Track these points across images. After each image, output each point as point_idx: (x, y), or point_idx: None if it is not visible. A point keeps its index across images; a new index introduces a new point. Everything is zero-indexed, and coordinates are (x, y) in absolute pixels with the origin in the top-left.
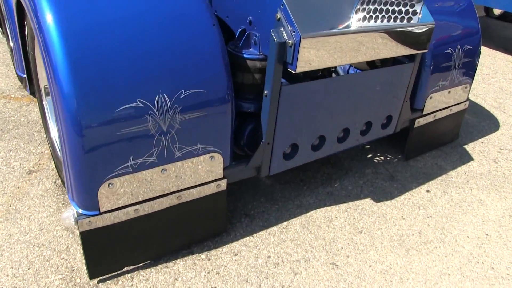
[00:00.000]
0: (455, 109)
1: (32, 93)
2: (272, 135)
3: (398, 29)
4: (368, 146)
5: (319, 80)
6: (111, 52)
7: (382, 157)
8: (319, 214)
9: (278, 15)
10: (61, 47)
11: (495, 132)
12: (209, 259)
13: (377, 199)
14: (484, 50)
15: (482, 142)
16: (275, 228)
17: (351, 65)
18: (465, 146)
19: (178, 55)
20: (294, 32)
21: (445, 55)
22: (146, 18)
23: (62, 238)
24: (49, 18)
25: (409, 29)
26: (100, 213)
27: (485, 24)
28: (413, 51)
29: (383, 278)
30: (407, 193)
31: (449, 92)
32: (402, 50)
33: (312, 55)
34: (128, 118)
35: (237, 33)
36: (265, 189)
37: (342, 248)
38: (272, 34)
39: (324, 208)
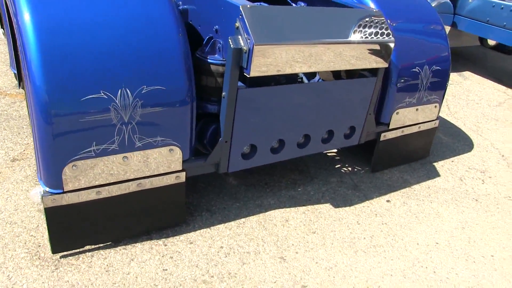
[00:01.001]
0: (424, 127)
1: (23, 88)
2: (230, 135)
3: (355, 44)
4: (338, 157)
5: (276, 86)
6: (79, 49)
7: (349, 168)
8: (277, 214)
9: (237, 24)
10: (35, 44)
11: (467, 153)
12: (165, 245)
13: (337, 205)
14: (475, 77)
15: (452, 161)
16: (232, 223)
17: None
18: (434, 163)
19: (142, 55)
20: (249, 39)
21: (412, 73)
22: (113, 19)
23: (34, 218)
24: (25, 17)
25: (367, 44)
26: (64, 192)
27: (479, 53)
28: (371, 66)
29: (327, 274)
30: (367, 201)
31: (417, 109)
32: (359, 64)
33: (266, 61)
34: (92, 108)
35: (205, 40)
36: (230, 189)
37: (293, 245)
38: (230, 40)
39: (283, 209)
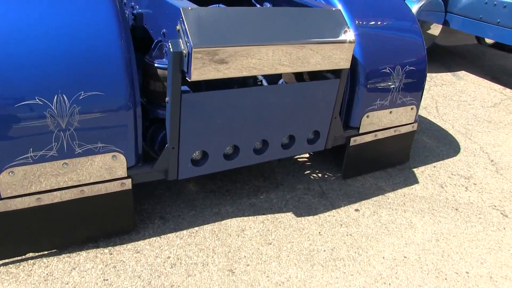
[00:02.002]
0: (401, 130)
1: None
2: (177, 141)
3: (309, 44)
4: (309, 163)
5: (224, 90)
6: (12, 55)
7: (319, 174)
8: (233, 223)
9: (178, 27)
10: None
11: (452, 158)
12: (111, 254)
13: (299, 214)
14: (470, 77)
15: (434, 167)
16: (184, 232)
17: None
18: (414, 169)
19: (79, 61)
20: (188, 42)
21: (382, 74)
22: (50, 25)
23: None
24: None
25: (324, 44)
26: (2, 199)
27: (477, 52)
28: (331, 67)
29: None
30: (333, 210)
31: (390, 112)
32: (315, 66)
33: (207, 65)
34: (27, 114)
35: (153, 44)
36: (188, 195)
37: (245, 257)
38: (170, 44)
39: (241, 218)
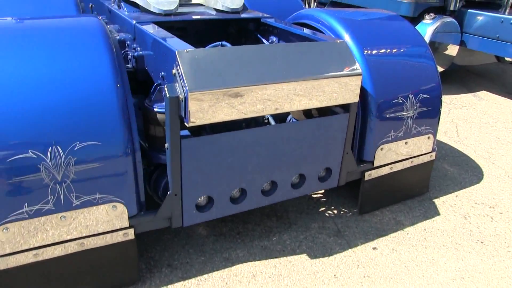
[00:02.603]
0: (418, 161)
1: None
2: (180, 187)
3: (314, 80)
4: (323, 199)
5: (225, 133)
6: (5, 106)
7: (335, 211)
8: (244, 268)
9: (174, 71)
10: None
11: (475, 185)
12: None
13: (313, 255)
14: (491, 97)
15: (456, 196)
16: (193, 280)
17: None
18: (435, 200)
19: (73, 110)
20: (184, 87)
21: (394, 104)
22: (42, 73)
23: None
24: None
25: (329, 79)
26: None
27: (497, 70)
28: (338, 102)
29: None
30: (350, 250)
31: (406, 143)
32: (322, 102)
33: (205, 109)
34: (20, 168)
35: (152, 88)
36: (197, 240)
37: None
38: (166, 89)
39: (253, 262)
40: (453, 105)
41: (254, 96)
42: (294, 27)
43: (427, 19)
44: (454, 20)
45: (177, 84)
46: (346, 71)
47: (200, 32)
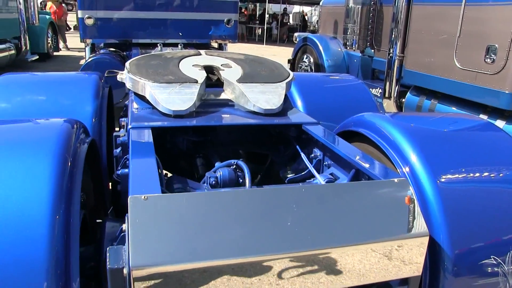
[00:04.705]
0: None
1: None
2: None
3: (352, 247)
4: None
5: None
6: None
7: None
8: None
9: (124, 226)
10: None
11: None
12: None
13: None
14: None
15: None
16: None
17: None
18: None
19: None
20: (128, 258)
21: (483, 266)
22: None
23: None
24: None
25: (373, 244)
26: None
27: None
28: (387, 278)
29: None
30: None
31: None
32: (359, 280)
33: None
34: None
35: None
36: None
37: None
38: (108, 254)
39: None
40: None
41: (233, 276)
42: (339, 147)
43: None
44: None
45: (124, 248)
46: (408, 231)
47: (224, 138)
